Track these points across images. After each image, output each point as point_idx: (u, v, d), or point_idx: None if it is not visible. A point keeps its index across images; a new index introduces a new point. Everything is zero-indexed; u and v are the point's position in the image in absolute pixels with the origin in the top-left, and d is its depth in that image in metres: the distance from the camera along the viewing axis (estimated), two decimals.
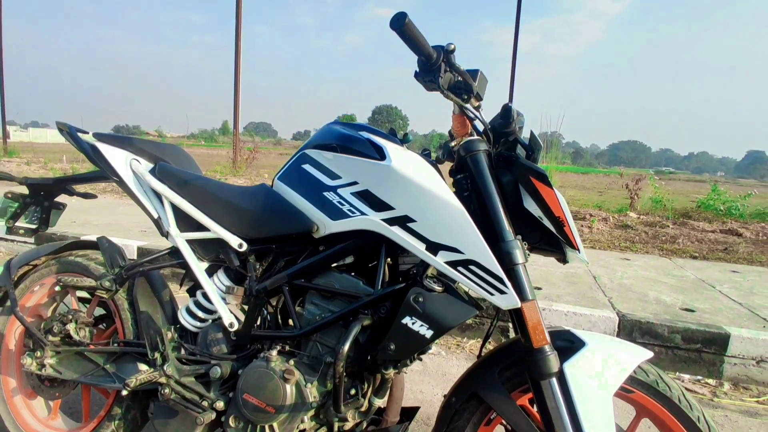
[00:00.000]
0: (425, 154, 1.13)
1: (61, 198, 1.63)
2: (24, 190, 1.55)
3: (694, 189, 17.76)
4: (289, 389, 1.05)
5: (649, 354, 0.97)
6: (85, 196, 1.68)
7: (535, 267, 3.43)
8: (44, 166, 9.08)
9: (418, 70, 0.97)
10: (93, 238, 1.48)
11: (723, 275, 3.67)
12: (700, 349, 2.36)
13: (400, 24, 0.87)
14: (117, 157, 1.30)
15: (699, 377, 2.33)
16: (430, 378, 2.14)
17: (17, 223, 1.56)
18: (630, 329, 2.44)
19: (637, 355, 0.95)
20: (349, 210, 1.03)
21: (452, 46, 0.94)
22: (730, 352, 2.31)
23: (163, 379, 1.14)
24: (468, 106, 1.01)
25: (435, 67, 0.94)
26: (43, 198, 1.58)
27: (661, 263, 4.01)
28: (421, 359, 1.17)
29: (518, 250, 0.96)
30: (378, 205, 1.00)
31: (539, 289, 2.92)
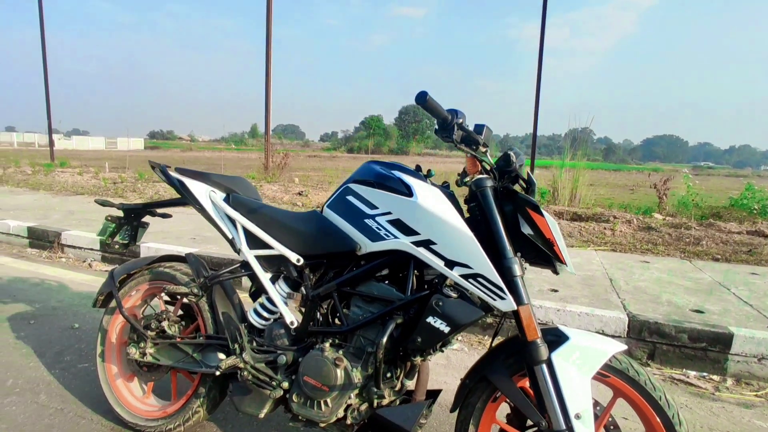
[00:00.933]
0: (444, 187, 1.42)
1: (146, 218, 2.00)
2: (119, 213, 1.92)
3: (733, 185, 17.24)
4: (339, 372, 1.36)
5: (623, 347, 1.23)
6: (164, 216, 2.04)
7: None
8: (95, 175, 9.77)
9: (437, 128, 1.27)
10: (179, 253, 1.83)
11: (741, 277, 3.79)
12: (705, 348, 2.55)
13: (423, 100, 1.17)
14: (198, 190, 1.65)
15: (704, 373, 2.53)
16: (454, 370, 2.42)
17: (114, 240, 1.93)
18: (639, 329, 2.65)
19: (612, 347, 1.21)
20: (385, 234, 1.33)
21: (462, 117, 1.24)
22: (734, 351, 2.50)
23: (241, 365, 1.47)
24: (477, 153, 1.30)
25: (449, 127, 1.23)
26: (133, 219, 1.95)
27: (681, 266, 4.15)
28: (443, 351, 1.44)
29: (517, 265, 1.24)
30: (407, 230, 1.30)
31: (556, 291, 3.15)
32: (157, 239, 4.34)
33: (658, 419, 1.19)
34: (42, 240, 4.69)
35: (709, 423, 2.04)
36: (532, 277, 3.47)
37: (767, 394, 2.32)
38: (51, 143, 17.19)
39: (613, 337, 2.67)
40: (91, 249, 4.39)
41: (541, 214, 1.25)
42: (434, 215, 1.25)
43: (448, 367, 2.47)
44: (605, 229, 5.69)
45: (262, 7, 9.69)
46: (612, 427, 1.30)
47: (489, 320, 2.91)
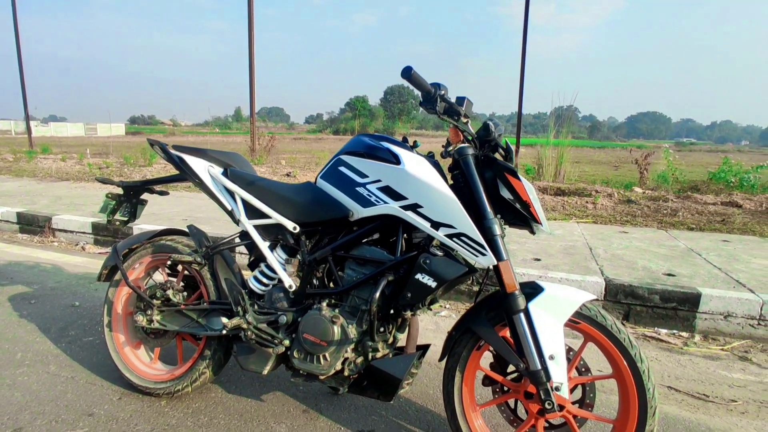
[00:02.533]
0: (429, 156, 1.53)
1: (144, 195, 2.08)
2: (119, 190, 2.00)
3: (714, 160, 17.63)
4: (336, 329, 1.48)
5: (592, 296, 1.37)
6: (161, 193, 2.12)
7: (537, 241, 3.81)
8: (80, 161, 9.66)
9: (421, 100, 1.37)
10: (179, 229, 1.92)
11: (713, 244, 4.00)
12: (675, 308, 2.74)
13: (408, 74, 1.27)
14: (198, 165, 1.73)
15: (674, 331, 2.72)
16: (442, 334, 2.57)
17: (114, 217, 2.01)
18: (615, 292, 2.83)
19: (582, 297, 1.35)
20: (376, 200, 1.44)
21: (444, 89, 1.34)
22: (701, 309, 2.69)
23: (245, 325, 1.59)
24: (459, 123, 1.40)
25: (433, 99, 1.33)
26: (132, 196, 2.02)
27: (657, 235, 4.34)
28: (431, 309, 1.57)
29: (496, 225, 1.36)
30: (396, 196, 1.41)
31: (538, 260, 3.31)
32: (150, 221, 4.39)
33: (623, 358, 1.34)
34: (32, 225, 4.71)
35: (676, 373, 2.22)
36: (515, 248, 3.63)
37: (732, 348, 2.51)
38: (29, 130, 16.84)
39: None
40: (83, 232, 4.43)
41: (518, 179, 1.37)
42: (421, 180, 1.36)
43: (436, 332, 2.62)
44: (587, 202, 5.87)
45: None
46: (583, 369, 1.45)
47: (476, 288, 3.07)
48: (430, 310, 1.58)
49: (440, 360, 1.52)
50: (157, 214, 4.78)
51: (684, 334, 2.69)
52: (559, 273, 2.97)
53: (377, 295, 1.42)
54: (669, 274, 3.05)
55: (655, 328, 2.74)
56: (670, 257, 3.50)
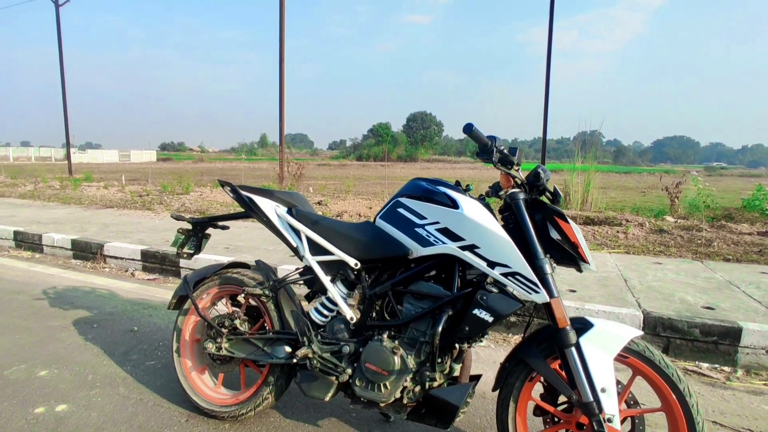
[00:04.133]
0: (481, 199, 1.66)
1: (209, 230, 2.26)
2: (188, 225, 2.19)
3: (747, 185, 17.24)
4: (397, 359, 1.60)
5: (640, 332, 1.46)
6: (223, 228, 2.30)
7: (571, 272, 3.86)
8: (121, 189, 10.14)
9: (478, 151, 1.52)
10: (249, 261, 2.09)
11: (751, 276, 3.97)
12: (716, 341, 2.75)
13: (470, 130, 1.42)
14: (266, 205, 1.91)
15: (716, 365, 2.72)
16: (483, 365, 2.65)
17: (183, 250, 2.20)
18: (654, 325, 2.86)
19: (630, 333, 1.44)
20: (434, 240, 1.58)
21: (499, 142, 1.48)
22: (743, 343, 2.70)
23: (311, 354, 1.72)
24: (512, 171, 1.54)
25: (490, 151, 1.48)
26: (198, 230, 2.21)
27: (692, 266, 4.33)
28: (481, 341, 1.68)
29: (547, 265, 1.48)
30: (454, 237, 1.54)
31: (574, 291, 3.37)
32: None
33: (672, 392, 1.41)
34: (85, 251, 5.00)
35: (720, 408, 2.24)
36: None
37: None
38: (69, 158, 17.78)
39: None
40: (132, 259, 4.69)
41: (567, 221, 1.49)
42: (477, 223, 1.50)
43: (477, 362, 2.69)
44: (618, 232, 5.88)
45: (270, 17, 10.09)
46: (632, 402, 1.52)
47: (512, 319, 3.14)
48: (481, 342, 1.68)
49: (494, 390, 1.62)
50: None
51: (726, 368, 2.69)
52: (596, 305, 3.02)
53: (440, 327, 1.54)
54: (708, 307, 3.06)
55: (696, 362, 2.75)
56: (708, 289, 3.50)
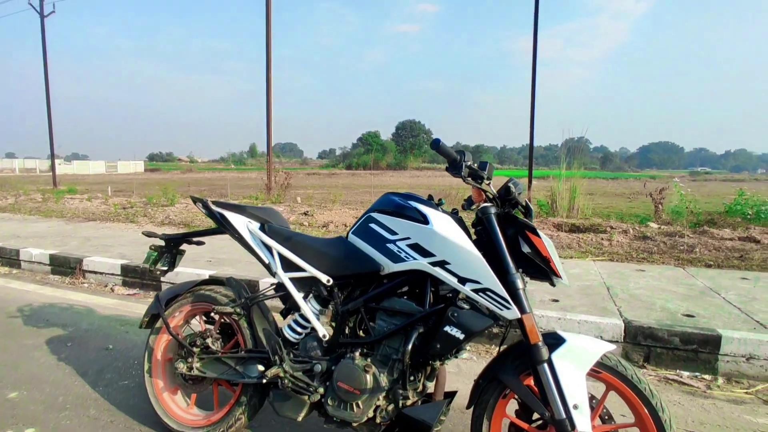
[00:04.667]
0: (454, 213, 1.65)
1: (183, 246, 2.22)
2: (161, 242, 2.15)
3: (729, 190, 17.50)
4: (369, 377, 1.57)
5: (612, 347, 1.45)
6: (198, 243, 2.26)
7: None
8: (105, 201, 10.01)
9: (448, 166, 1.51)
10: (221, 278, 2.05)
11: (731, 283, 4.00)
12: (696, 350, 2.75)
13: (437, 146, 1.41)
14: (238, 221, 1.88)
15: (696, 373, 2.73)
16: (464, 377, 2.62)
17: (156, 267, 2.15)
18: (634, 334, 2.86)
19: (603, 347, 1.43)
20: (405, 256, 1.56)
21: (469, 158, 1.48)
22: (723, 351, 2.70)
23: (282, 374, 1.69)
24: (482, 186, 1.53)
25: (459, 166, 1.47)
26: (172, 247, 2.17)
27: (674, 273, 4.36)
28: (457, 357, 1.65)
29: (519, 280, 1.47)
30: (424, 253, 1.52)
31: (557, 301, 3.36)
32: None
33: (644, 407, 1.40)
34: (64, 266, 4.90)
35: (701, 418, 2.24)
36: (533, 288, 3.68)
37: (756, 392, 2.52)
38: (54, 169, 17.56)
39: (610, 341, 2.88)
40: (112, 274, 4.60)
41: (538, 236, 1.48)
42: (448, 239, 1.48)
43: (459, 375, 2.67)
44: (603, 239, 5.91)
45: (259, 28, 10.13)
46: (606, 417, 1.50)
47: (495, 330, 3.12)
48: (456, 357, 1.66)
49: (468, 407, 1.59)
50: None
51: (707, 376, 2.70)
52: (578, 315, 3.02)
53: (410, 345, 1.52)
54: (688, 315, 3.07)
55: (677, 371, 2.75)
56: (689, 297, 3.52)
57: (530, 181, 9.95)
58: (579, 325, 2.94)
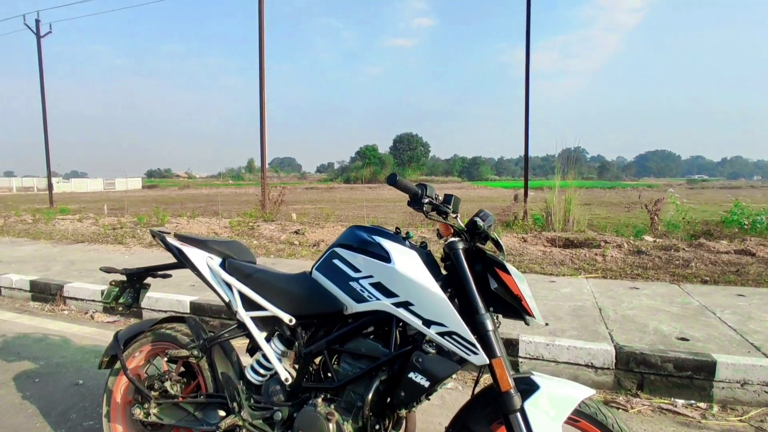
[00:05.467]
0: (422, 247, 1.55)
1: (148, 280, 2.12)
2: (123, 277, 2.04)
3: (726, 197, 17.48)
4: (332, 427, 1.46)
5: (592, 392, 1.34)
6: (164, 276, 2.16)
7: (545, 302, 3.75)
8: (95, 222, 9.90)
9: (409, 201, 1.41)
10: (181, 314, 1.95)
11: (727, 300, 3.89)
12: (690, 376, 2.64)
13: (394, 181, 1.32)
14: (196, 256, 1.78)
15: (691, 401, 2.60)
16: (448, 410, 2.49)
17: (118, 302, 2.05)
18: (626, 360, 2.74)
19: (581, 393, 1.32)
20: (368, 296, 1.45)
21: (429, 191, 1.39)
22: (718, 377, 2.58)
23: (240, 422, 1.57)
24: (447, 220, 1.44)
25: (420, 200, 1.38)
26: (135, 282, 2.06)
27: (669, 290, 4.25)
28: (429, 399, 1.55)
29: (489, 320, 1.36)
30: (387, 293, 1.42)
31: (546, 324, 3.25)
32: (157, 287, 4.41)
33: None
34: (44, 293, 4.78)
35: None
36: None
37: (750, 419, 2.40)
38: (50, 188, 17.46)
39: (602, 369, 2.77)
40: (93, 300, 4.48)
41: (507, 272, 1.38)
42: (410, 279, 1.38)
43: (443, 407, 2.54)
44: (596, 255, 5.81)
45: (257, 44, 10.12)
46: None
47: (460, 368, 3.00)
48: (428, 400, 1.55)
49: None
50: (165, 280, 4.81)
51: (701, 404, 2.57)
52: (567, 340, 2.90)
53: (371, 394, 1.41)
54: (682, 338, 2.96)
55: (672, 399, 2.63)
56: (683, 317, 3.41)
57: (526, 193, 9.88)
58: (568, 351, 2.83)
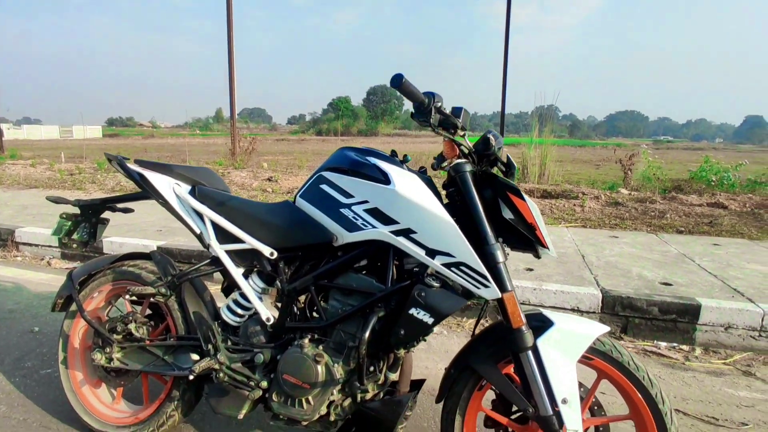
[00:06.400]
0: (421, 172, 1.37)
1: (105, 214, 1.87)
2: (76, 210, 1.79)
3: (691, 158, 17.93)
4: (321, 369, 1.31)
5: (606, 328, 1.23)
6: (124, 211, 1.91)
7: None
8: (50, 167, 9.26)
9: (413, 111, 1.21)
10: (144, 250, 1.73)
11: (704, 249, 3.93)
12: (675, 319, 2.63)
13: (399, 83, 1.10)
14: (161, 183, 1.54)
15: (674, 344, 2.61)
16: (434, 354, 2.42)
17: (71, 238, 1.80)
18: (612, 304, 2.71)
19: (595, 330, 1.21)
20: (363, 224, 1.27)
21: (440, 101, 1.18)
22: (702, 321, 2.59)
23: (216, 366, 1.41)
24: (456, 138, 1.25)
25: (427, 111, 1.17)
26: (91, 215, 1.82)
27: (648, 239, 4.27)
28: (425, 339, 1.42)
29: (499, 251, 1.21)
30: (386, 220, 1.24)
31: (531, 270, 3.18)
32: (121, 232, 4.15)
33: (642, 398, 1.20)
34: None
35: (683, 393, 2.11)
36: None
37: (735, 362, 2.41)
38: (0, 133, 16.22)
39: (587, 313, 2.73)
40: (49, 246, 4.16)
41: (522, 198, 1.22)
42: (413, 203, 1.20)
43: (428, 352, 2.46)
44: (575, 205, 5.79)
45: None
46: (596, 407, 1.30)
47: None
48: (425, 341, 1.42)
49: (438, 401, 1.36)
50: (129, 224, 4.52)
51: (684, 347, 2.58)
52: (554, 285, 2.84)
53: (367, 332, 1.25)
54: (665, 283, 2.94)
55: (655, 342, 2.63)
56: (664, 264, 3.41)
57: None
58: (555, 295, 2.77)
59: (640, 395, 1.20)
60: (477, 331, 1.37)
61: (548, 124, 8.77)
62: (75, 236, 1.81)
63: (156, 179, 1.54)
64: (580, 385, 1.26)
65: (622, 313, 2.70)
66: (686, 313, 2.61)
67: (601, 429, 1.29)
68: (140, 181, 1.56)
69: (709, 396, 2.08)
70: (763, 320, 2.52)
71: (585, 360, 1.22)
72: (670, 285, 2.92)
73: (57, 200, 1.77)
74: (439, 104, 1.18)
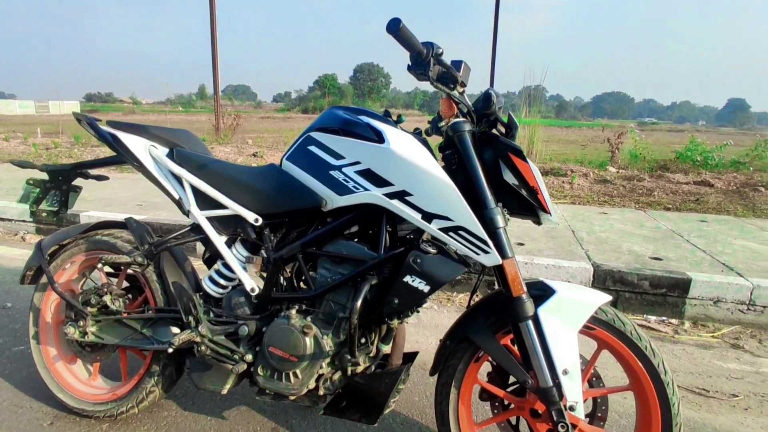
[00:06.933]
0: (416, 133, 1.28)
1: (78, 181, 1.75)
2: (44, 176, 1.67)
3: (674, 139, 18.10)
4: (309, 341, 1.24)
5: (608, 297, 1.17)
6: (98, 178, 1.80)
7: (518, 224, 3.64)
8: (24, 141, 8.92)
9: (410, 63, 1.11)
10: (119, 218, 1.62)
11: (692, 225, 3.94)
12: (665, 293, 2.62)
13: (396, 28, 1.00)
14: (136, 144, 1.43)
15: (663, 318, 2.61)
16: (425, 329, 2.37)
17: (40, 207, 1.68)
18: (604, 278, 2.69)
19: (598, 299, 1.15)
20: (354, 186, 1.19)
21: (441, 49, 1.08)
22: (691, 295, 2.58)
23: (198, 339, 1.32)
24: (454, 93, 1.16)
25: (425, 62, 1.08)
26: (61, 182, 1.70)
27: (637, 216, 4.26)
28: (418, 311, 1.36)
29: (499, 216, 1.14)
30: (379, 181, 1.16)
31: (522, 244, 3.14)
32: (99, 207, 4.00)
33: (644, 368, 1.16)
34: None
35: (672, 365, 2.10)
36: None
37: (723, 335, 2.42)
38: None
39: None
40: (23, 221, 3.99)
41: (525, 160, 1.14)
42: (409, 163, 1.12)
43: (418, 326, 2.41)
44: (564, 182, 5.77)
45: None
46: (595, 379, 1.26)
47: (458, 277, 2.87)
48: (418, 312, 1.36)
49: (432, 374, 1.30)
50: (108, 198, 4.36)
51: (673, 321, 2.58)
52: (546, 259, 2.80)
53: (359, 301, 1.18)
54: (656, 258, 2.93)
55: (645, 316, 2.63)
56: (654, 239, 3.40)
57: None
58: (547, 269, 2.73)
59: (642, 366, 1.16)
60: (473, 302, 1.31)
61: (536, 104, 8.72)
62: (44, 205, 1.69)
63: (130, 140, 1.43)
64: (580, 356, 1.21)
65: (613, 287, 2.68)
66: (676, 287, 2.60)
67: (599, 401, 1.25)
68: (113, 142, 1.44)
69: (698, 368, 2.08)
70: (751, 294, 2.53)
71: (586, 330, 1.17)
72: (660, 260, 2.91)
73: (22, 164, 1.64)
74: (440, 52, 1.09)
